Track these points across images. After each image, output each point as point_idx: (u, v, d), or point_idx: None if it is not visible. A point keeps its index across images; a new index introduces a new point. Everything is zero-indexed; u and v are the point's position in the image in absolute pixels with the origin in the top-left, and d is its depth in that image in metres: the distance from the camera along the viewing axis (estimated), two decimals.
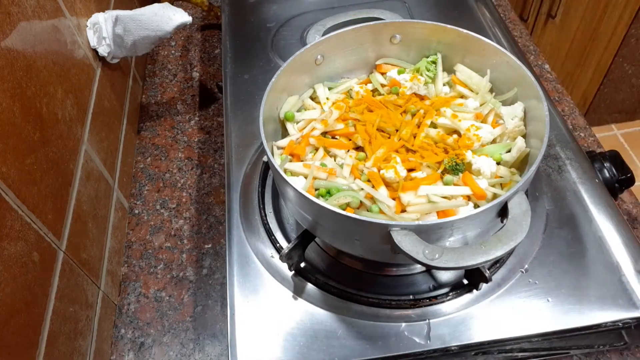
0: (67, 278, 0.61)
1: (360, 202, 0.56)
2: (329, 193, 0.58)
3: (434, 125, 0.64)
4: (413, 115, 0.65)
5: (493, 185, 0.58)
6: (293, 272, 0.64)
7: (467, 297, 0.61)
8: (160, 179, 0.90)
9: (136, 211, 0.86)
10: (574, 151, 0.74)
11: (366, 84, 0.73)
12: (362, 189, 0.57)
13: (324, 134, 0.66)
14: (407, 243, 0.48)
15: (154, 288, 0.77)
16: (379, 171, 0.59)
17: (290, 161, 0.63)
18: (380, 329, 0.59)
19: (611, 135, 2.20)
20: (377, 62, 0.74)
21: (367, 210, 0.57)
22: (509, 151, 0.61)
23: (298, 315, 0.61)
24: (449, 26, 0.68)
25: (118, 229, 0.80)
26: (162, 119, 0.99)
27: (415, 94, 0.69)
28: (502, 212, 0.52)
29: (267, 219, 0.69)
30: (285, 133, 0.69)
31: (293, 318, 0.61)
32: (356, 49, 0.73)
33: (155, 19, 0.83)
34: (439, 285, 0.63)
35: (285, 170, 0.61)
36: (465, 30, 0.67)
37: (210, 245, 0.81)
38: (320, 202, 0.51)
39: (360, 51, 0.73)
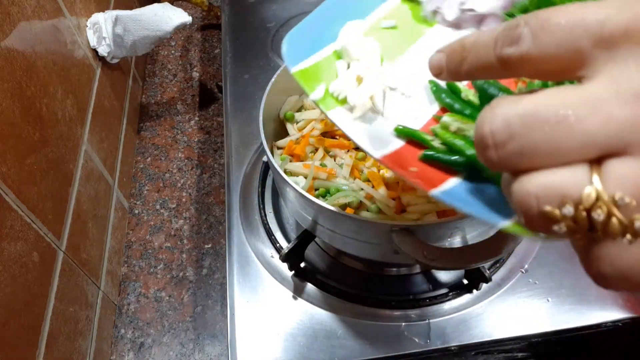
0: (67, 278, 0.61)
1: (360, 202, 0.56)
2: (328, 193, 0.58)
3: None
4: None
5: None
6: (293, 272, 0.64)
7: (467, 297, 0.61)
8: (160, 179, 0.90)
9: (136, 211, 0.86)
10: None
11: None
12: (362, 189, 0.57)
13: (324, 134, 0.66)
14: (407, 243, 0.47)
15: (154, 288, 0.77)
16: (378, 171, 0.59)
17: (290, 161, 0.63)
18: (380, 329, 0.59)
19: None
20: None
21: (367, 210, 0.57)
22: None
23: (298, 316, 0.61)
24: None
25: (118, 229, 0.80)
26: (162, 119, 0.99)
27: None
28: None
29: (267, 219, 0.69)
30: (285, 133, 0.69)
31: (293, 318, 0.61)
32: None
33: (155, 19, 0.83)
34: (439, 285, 0.63)
35: (285, 171, 0.61)
36: None
37: (210, 245, 0.81)
38: (320, 202, 0.51)
39: None
